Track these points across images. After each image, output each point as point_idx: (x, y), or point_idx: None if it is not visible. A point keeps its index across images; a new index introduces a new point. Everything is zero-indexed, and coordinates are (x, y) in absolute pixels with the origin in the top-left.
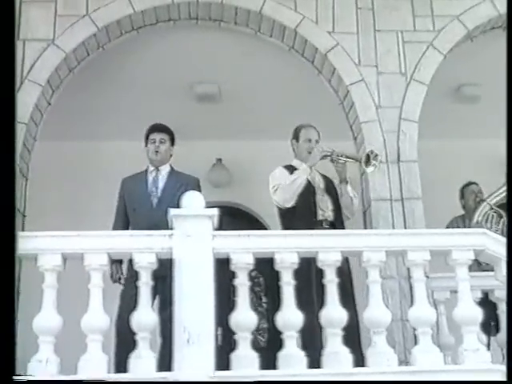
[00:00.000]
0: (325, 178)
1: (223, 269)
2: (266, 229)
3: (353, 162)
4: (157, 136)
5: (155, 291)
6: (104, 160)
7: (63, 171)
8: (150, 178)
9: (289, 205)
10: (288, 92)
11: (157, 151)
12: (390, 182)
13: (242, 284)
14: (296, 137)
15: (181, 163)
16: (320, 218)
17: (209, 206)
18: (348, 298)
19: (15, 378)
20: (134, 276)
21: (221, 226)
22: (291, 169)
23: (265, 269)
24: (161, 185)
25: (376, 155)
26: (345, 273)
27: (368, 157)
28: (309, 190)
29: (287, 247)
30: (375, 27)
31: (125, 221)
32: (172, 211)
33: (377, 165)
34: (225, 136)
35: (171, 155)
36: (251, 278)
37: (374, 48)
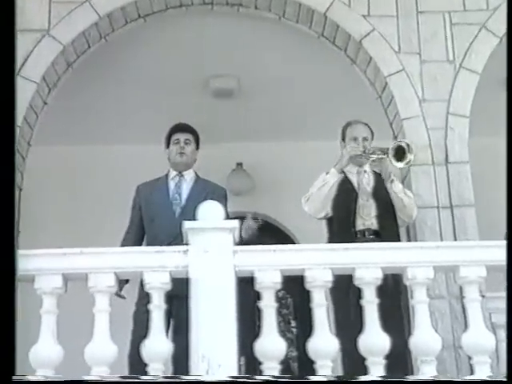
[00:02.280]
0: (379, 178)
1: (246, 289)
2: (294, 243)
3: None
4: (181, 136)
5: (169, 313)
6: (108, 166)
7: (62, 179)
8: (172, 184)
9: (320, 215)
10: (317, 86)
11: (182, 152)
12: (436, 186)
13: (268, 306)
14: (343, 136)
15: (196, 168)
16: (360, 227)
17: (229, 217)
18: (394, 320)
19: (15, 377)
20: (145, 297)
21: (242, 240)
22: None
23: (294, 288)
24: (185, 192)
25: (408, 146)
26: (390, 292)
27: (399, 150)
28: (349, 196)
29: (319, 263)
30: (418, 8)
31: (138, 233)
32: (187, 224)
33: (411, 159)
34: (246, 137)
35: (195, 159)
36: (278, 299)
37: (416, 32)
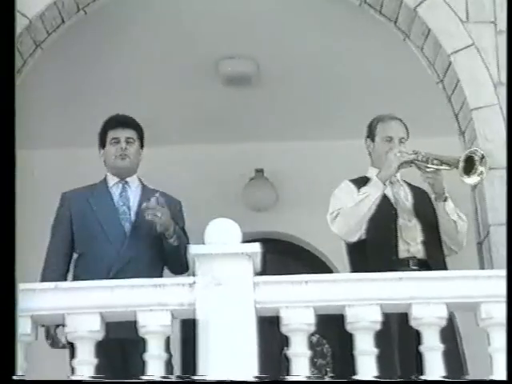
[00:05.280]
0: (416, 191)
1: (270, 332)
2: (331, 272)
3: (449, 170)
4: (121, 133)
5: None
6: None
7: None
8: (116, 193)
9: (354, 238)
10: (358, 68)
11: (124, 154)
12: None
13: (299, 354)
14: (371, 135)
15: (204, 176)
16: (404, 255)
17: (246, 239)
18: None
19: (15, 377)
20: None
21: (265, 269)
22: (364, 183)
23: (332, 332)
24: (133, 204)
25: (483, 157)
26: (446, 333)
27: (470, 160)
28: (387, 214)
29: (364, 298)
30: None
31: (68, 258)
32: (193, 249)
33: (484, 173)
34: (267, 136)
35: (139, 162)
36: (312, 346)
37: None
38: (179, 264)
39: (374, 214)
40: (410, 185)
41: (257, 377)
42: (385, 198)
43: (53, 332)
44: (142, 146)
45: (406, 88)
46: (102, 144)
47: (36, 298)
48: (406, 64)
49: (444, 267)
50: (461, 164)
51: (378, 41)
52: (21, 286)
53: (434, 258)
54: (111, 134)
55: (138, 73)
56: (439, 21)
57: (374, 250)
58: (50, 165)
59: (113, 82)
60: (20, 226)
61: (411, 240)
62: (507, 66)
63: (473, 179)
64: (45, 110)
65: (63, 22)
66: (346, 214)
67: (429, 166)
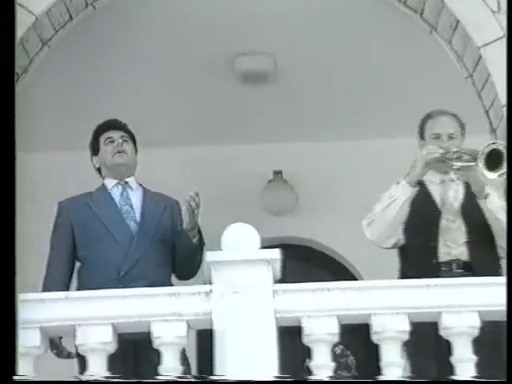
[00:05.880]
0: (470, 190)
1: (292, 343)
2: (355, 279)
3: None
4: (114, 134)
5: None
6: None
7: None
8: (116, 193)
9: (388, 243)
10: (382, 64)
11: (121, 151)
12: None
13: (322, 366)
14: (421, 134)
15: (219, 179)
16: (445, 258)
17: (265, 244)
18: None
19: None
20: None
21: (285, 276)
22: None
23: (356, 342)
24: (136, 205)
25: (500, 154)
26: (487, 344)
27: (492, 154)
28: (429, 216)
29: (390, 306)
30: None
31: (71, 269)
32: (209, 255)
33: (503, 169)
34: (285, 135)
35: (136, 163)
36: (335, 357)
37: None
38: (190, 267)
39: (413, 216)
40: (467, 183)
41: (277, 376)
42: (430, 198)
43: (57, 341)
44: (136, 150)
45: (433, 84)
46: (95, 151)
47: (45, 309)
48: (432, 58)
49: (494, 269)
50: (482, 159)
51: (403, 34)
52: (29, 296)
53: (480, 260)
54: (104, 136)
55: (148, 71)
56: (468, 12)
57: (413, 255)
58: (53, 167)
59: (121, 80)
60: (20, 227)
61: (452, 242)
62: (507, 65)
63: (493, 174)
64: (50, 111)
65: (71, 18)
66: (376, 219)
67: (457, 163)
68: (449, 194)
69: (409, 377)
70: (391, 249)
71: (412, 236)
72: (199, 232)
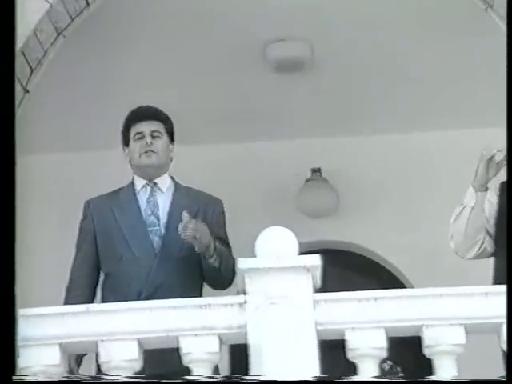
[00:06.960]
0: None
1: (335, 357)
2: (404, 287)
3: None
4: (145, 127)
5: None
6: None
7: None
8: (143, 198)
9: (469, 254)
10: (431, 48)
11: (150, 151)
12: None
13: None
14: None
15: (251, 178)
16: None
17: (303, 250)
18: None
19: (15, 377)
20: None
21: (326, 285)
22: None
23: (406, 357)
24: (163, 211)
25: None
26: None
27: None
28: None
29: (444, 317)
30: None
31: (95, 280)
32: (241, 263)
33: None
34: (323, 129)
35: (171, 159)
36: (383, 374)
37: None
38: (220, 283)
39: (502, 217)
40: None
41: (316, 376)
42: None
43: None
44: (172, 140)
45: (488, 70)
46: (126, 142)
47: (65, 324)
48: (486, 40)
49: None
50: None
51: (455, 12)
52: (47, 311)
53: None
54: (134, 129)
55: (171, 60)
56: None
57: (499, 264)
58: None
59: (141, 73)
60: (20, 228)
61: None
62: (507, 65)
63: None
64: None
65: (88, 4)
66: (451, 230)
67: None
68: None
69: None
70: (478, 258)
71: (498, 244)
72: (223, 240)
